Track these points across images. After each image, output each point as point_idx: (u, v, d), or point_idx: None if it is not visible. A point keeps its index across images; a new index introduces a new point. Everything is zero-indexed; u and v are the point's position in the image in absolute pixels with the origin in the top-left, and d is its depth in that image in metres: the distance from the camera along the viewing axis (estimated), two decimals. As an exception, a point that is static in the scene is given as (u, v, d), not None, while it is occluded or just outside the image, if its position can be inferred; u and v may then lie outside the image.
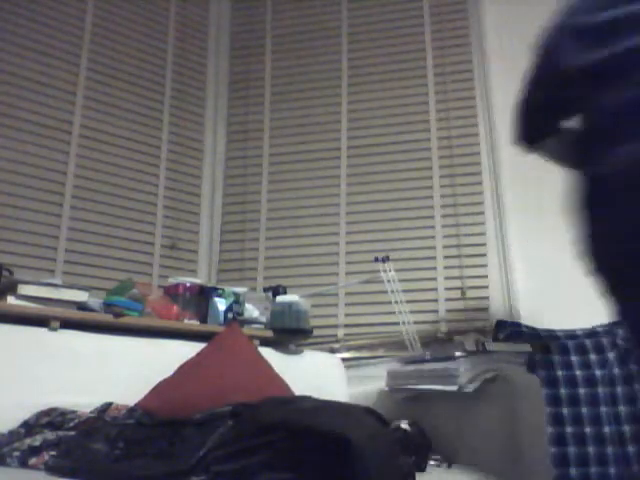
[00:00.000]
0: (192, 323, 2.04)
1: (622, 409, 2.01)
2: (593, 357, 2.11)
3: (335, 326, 2.63)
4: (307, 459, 1.05)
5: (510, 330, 2.27)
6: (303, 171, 2.91)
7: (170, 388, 1.70)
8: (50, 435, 1.39)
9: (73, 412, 1.52)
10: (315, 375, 2.10)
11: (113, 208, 2.65)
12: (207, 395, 1.60)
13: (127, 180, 2.72)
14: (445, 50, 2.91)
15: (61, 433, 1.41)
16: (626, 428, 1.99)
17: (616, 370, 2.07)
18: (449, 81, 2.86)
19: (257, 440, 1.11)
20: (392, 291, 2.25)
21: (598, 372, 2.07)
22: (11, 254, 2.31)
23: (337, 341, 2.60)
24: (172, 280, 2.21)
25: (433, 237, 2.67)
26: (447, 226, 2.68)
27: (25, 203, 2.43)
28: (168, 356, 1.81)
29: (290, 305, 2.14)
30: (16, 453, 1.33)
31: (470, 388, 1.57)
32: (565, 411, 2.02)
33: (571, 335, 2.23)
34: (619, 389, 2.04)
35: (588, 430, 2.00)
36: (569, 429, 2.00)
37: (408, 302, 2.27)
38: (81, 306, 1.84)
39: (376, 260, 2.31)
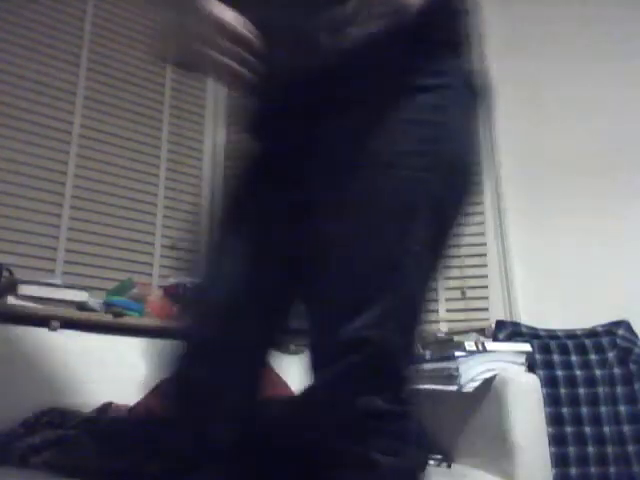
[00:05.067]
0: (192, 323, 2.04)
1: (622, 409, 2.01)
2: (593, 357, 2.11)
3: (335, 326, 2.63)
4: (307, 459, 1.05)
5: (510, 330, 2.27)
6: (303, 171, 2.90)
7: (170, 388, 1.69)
8: (50, 434, 1.39)
9: (73, 412, 1.52)
10: (315, 375, 2.09)
11: (113, 208, 2.64)
12: (207, 395, 1.60)
13: (127, 180, 2.71)
14: (445, 50, 2.90)
15: (61, 432, 1.41)
16: (626, 428, 1.99)
17: (616, 370, 2.07)
18: (449, 81, 2.86)
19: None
20: (392, 291, 2.24)
21: (598, 372, 2.07)
22: (11, 254, 2.31)
23: (337, 341, 2.59)
24: (172, 280, 2.21)
25: (433, 237, 2.67)
26: (447, 226, 2.67)
27: (25, 203, 2.42)
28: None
29: (290, 305, 2.13)
30: (16, 452, 1.33)
31: (470, 388, 1.57)
32: (565, 411, 2.02)
33: (571, 335, 2.23)
34: (619, 389, 2.04)
35: (588, 430, 2.00)
36: (569, 429, 2.00)
37: (408, 302, 2.27)
38: (81, 306, 1.84)
39: (376, 260, 2.31)
